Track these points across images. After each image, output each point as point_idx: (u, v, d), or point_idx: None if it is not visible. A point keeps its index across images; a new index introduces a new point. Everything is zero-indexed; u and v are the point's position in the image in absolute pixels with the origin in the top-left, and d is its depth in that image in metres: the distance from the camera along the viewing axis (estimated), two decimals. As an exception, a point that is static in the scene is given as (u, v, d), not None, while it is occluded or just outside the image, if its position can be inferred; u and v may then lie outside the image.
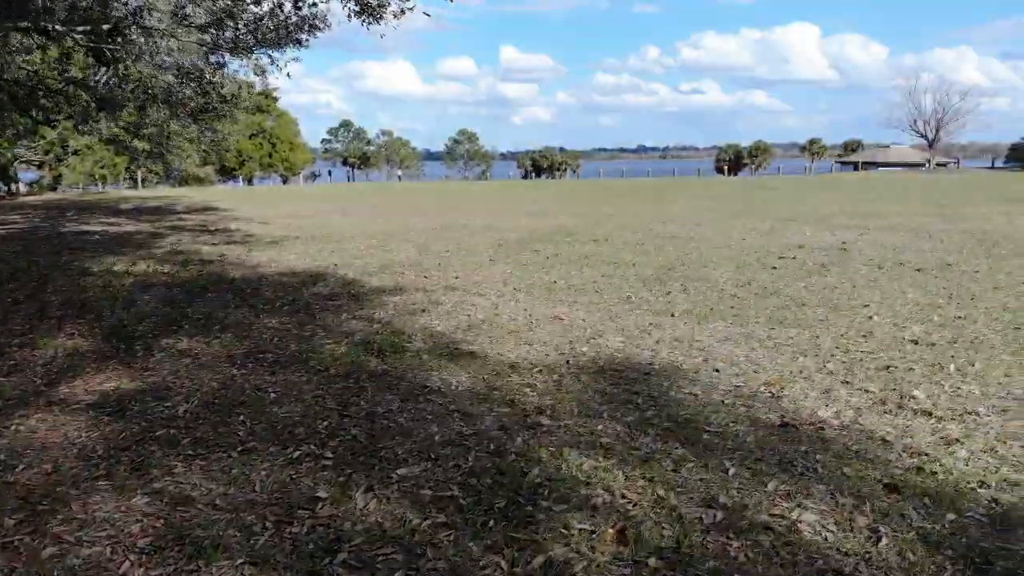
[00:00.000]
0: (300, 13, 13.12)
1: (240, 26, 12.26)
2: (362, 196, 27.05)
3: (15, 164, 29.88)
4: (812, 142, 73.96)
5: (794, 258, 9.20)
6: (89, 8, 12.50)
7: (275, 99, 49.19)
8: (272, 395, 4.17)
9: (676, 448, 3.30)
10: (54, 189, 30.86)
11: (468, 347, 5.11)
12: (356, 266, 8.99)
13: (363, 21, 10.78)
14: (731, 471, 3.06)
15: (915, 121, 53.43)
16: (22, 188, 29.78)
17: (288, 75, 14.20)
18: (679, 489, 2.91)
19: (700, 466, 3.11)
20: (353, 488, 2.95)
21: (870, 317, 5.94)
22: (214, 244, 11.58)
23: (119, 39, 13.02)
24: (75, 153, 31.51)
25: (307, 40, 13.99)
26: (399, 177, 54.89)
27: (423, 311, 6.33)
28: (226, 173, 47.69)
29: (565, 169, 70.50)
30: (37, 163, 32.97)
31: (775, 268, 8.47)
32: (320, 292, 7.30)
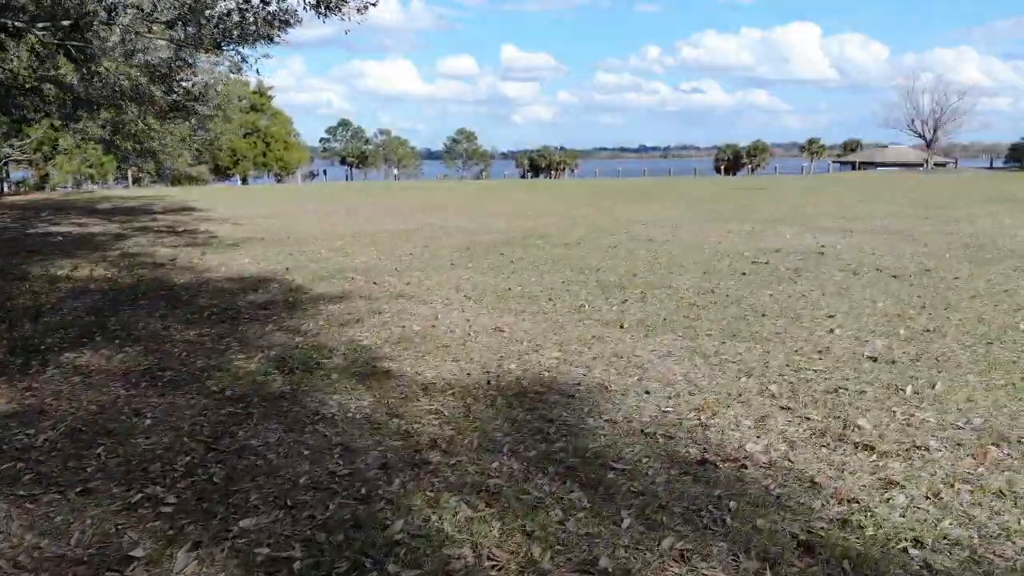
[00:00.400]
0: (268, 8, 12.69)
1: (203, 21, 11.81)
2: (351, 196, 26.62)
3: (4, 163, 29.52)
4: (811, 142, 73.35)
5: (767, 263, 8.74)
6: (56, 4, 12.09)
7: (270, 97, 48.80)
8: (147, 422, 3.73)
9: (572, 492, 2.86)
10: (41, 188, 30.49)
11: (387, 364, 4.66)
12: (308, 270, 8.55)
13: (319, 13, 10.34)
14: (625, 523, 2.61)
15: (913, 121, 52.75)
16: (7, 188, 29.40)
17: (258, 71, 13.82)
18: (558, 547, 2.47)
19: (592, 515, 2.67)
20: (179, 544, 2.51)
21: (831, 330, 5.49)
22: (173, 246, 11.15)
23: (81, 36, 12.61)
24: (63, 152, 31.13)
25: (278, 36, 13.57)
26: (395, 176, 54.46)
27: (357, 321, 5.89)
28: (220, 172, 47.32)
29: (563, 168, 70.03)
30: (28, 162, 32.62)
31: (744, 274, 8.02)
32: (257, 300, 6.87)
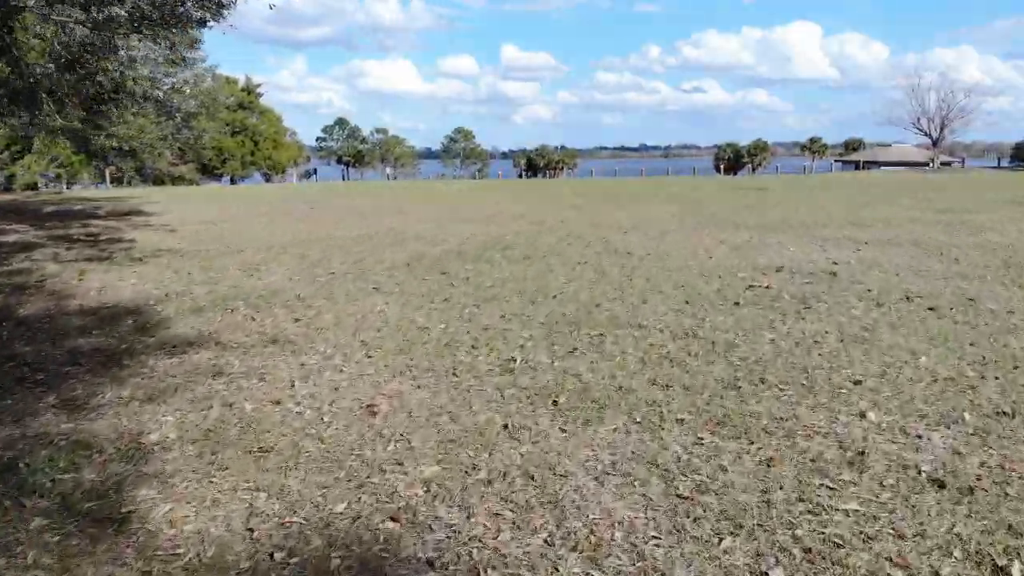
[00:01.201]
0: (191, -15, 10.84)
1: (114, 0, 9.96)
2: (329, 195, 24.79)
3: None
4: (812, 140, 71.15)
5: (767, 288, 6.87)
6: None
7: (259, 95, 46.86)
8: None
9: None
10: (9, 189, 28.68)
11: (133, 495, 2.81)
12: (191, 297, 6.72)
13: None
14: None
15: (919, 119, 50.35)
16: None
17: (184, 59, 11.93)
18: None
19: None
20: None
21: (862, 414, 3.63)
22: (70, 261, 9.32)
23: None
24: (36, 152, 29.33)
25: (212, 21, 11.73)
26: (388, 176, 52.53)
27: (175, 391, 4.04)
28: (208, 172, 45.47)
29: (562, 168, 68.07)
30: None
31: (738, 304, 6.15)
32: (82, 346, 5.03)
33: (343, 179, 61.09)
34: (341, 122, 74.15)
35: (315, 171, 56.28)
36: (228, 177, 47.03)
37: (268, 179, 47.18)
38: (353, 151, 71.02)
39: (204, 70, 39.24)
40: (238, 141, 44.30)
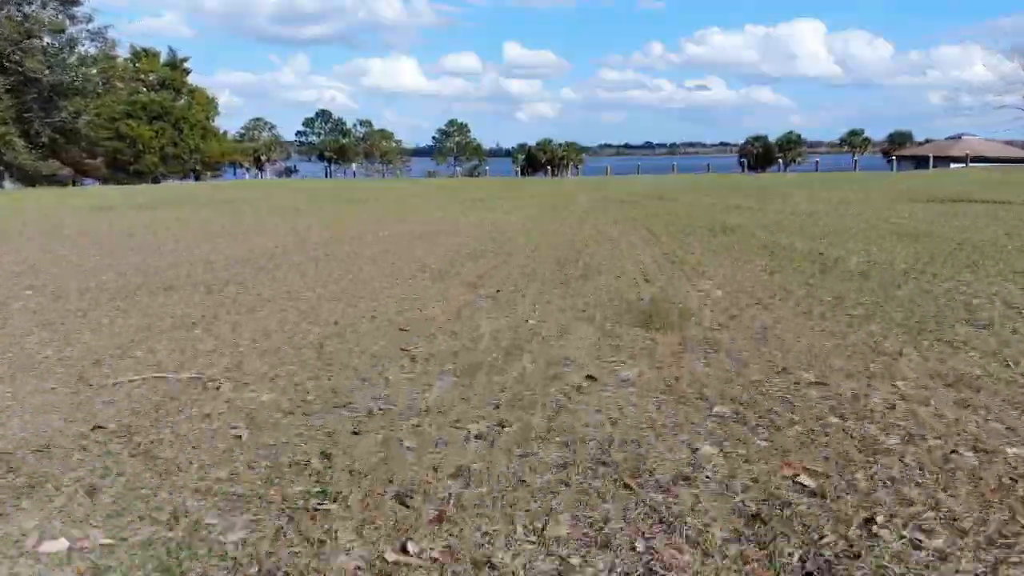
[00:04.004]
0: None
1: None
2: (185, 212, 13.36)
3: None
4: (853, 134, 59.17)
5: None
6: None
7: (185, 71, 35.18)
8: None
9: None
10: None
11: None
12: None
13: None
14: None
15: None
16: None
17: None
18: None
19: None
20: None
21: None
22: None
23: None
24: None
25: None
26: (355, 174, 40.98)
27: None
28: (122, 168, 33.91)
29: (567, 165, 56.14)
30: None
31: None
32: None
33: (326, 176, 49.66)
34: (323, 114, 62.69)
35: (293, 168, 44.29)
36: (152, 176, 35.45)
37: (197, 177, 35.54)
38: (335, 146, 59.49)
39: (86, 32, 27.13)
40: (155, 129, 32.54)
